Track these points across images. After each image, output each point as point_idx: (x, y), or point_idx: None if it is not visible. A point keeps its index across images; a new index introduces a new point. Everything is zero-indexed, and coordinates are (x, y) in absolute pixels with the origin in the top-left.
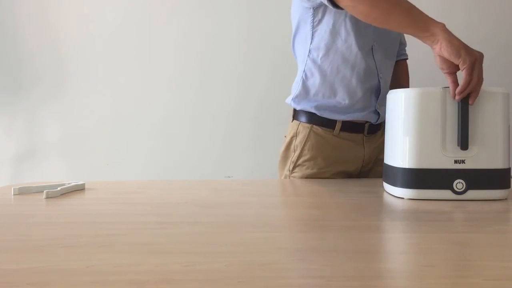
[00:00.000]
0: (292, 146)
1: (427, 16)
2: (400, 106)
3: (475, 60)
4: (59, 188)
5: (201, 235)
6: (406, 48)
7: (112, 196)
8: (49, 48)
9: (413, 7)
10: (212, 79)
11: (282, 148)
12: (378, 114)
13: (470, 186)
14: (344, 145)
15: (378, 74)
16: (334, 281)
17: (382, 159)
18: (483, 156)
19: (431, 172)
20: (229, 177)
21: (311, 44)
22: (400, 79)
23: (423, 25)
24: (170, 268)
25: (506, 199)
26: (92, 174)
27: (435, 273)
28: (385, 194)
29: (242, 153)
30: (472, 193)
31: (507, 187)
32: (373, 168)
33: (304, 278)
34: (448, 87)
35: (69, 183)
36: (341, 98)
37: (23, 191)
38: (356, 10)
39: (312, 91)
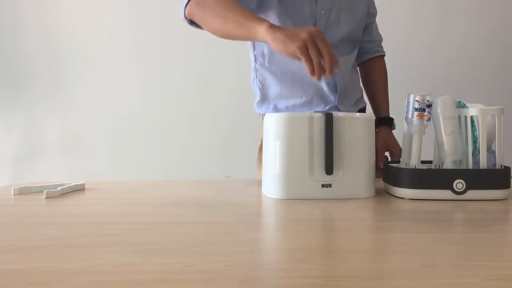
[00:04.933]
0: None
1: (252, 19)
2: (270, 129)
3: (303, 43)
4: (59, 188)
5: (201, 235)
6: (410, 49)
7: (112, 196)
8: (49, 48)
9: (240, 14)
10: (213, 78)
11: (257, 150)
12: (340, 111)
13: (470, 186)
14: None
15: None
16: (334, 281)
17: None
18: (348, 180)
19: (431, 172)
20: (229, 177)
21: (254, 50)
22: (373, 78)
23: (251, 31)
24: (170, 268)
25: (506, 199)
26: (92, 174)
27: (435, 273)
28: (385, 194)
29: (242, 153)
30: (472, 193)
31: (507, 187)
32: None
33: (304, 278)
34: (314, 111)
35: (69, 183)
36: (299, 95)
37: (23, 191)
38: (205, 27)
39: (270, 94)
